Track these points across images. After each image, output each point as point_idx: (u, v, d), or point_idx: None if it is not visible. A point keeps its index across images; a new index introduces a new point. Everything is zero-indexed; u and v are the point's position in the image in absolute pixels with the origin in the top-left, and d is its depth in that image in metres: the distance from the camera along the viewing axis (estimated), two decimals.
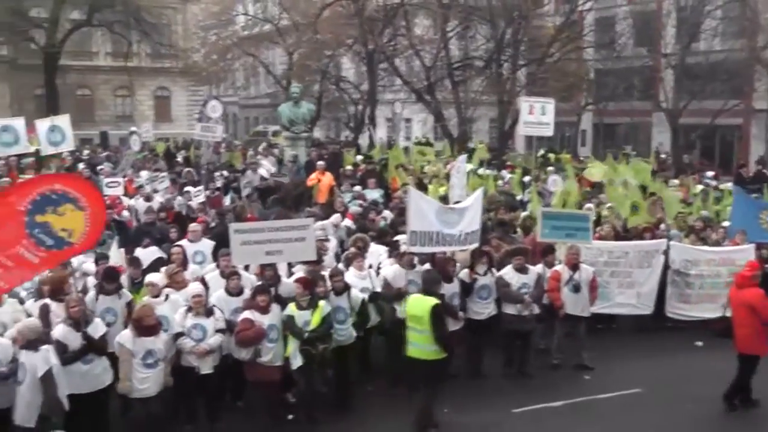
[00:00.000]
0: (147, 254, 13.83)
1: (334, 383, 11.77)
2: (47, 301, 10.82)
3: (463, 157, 21.29)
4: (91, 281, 11.43)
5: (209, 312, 10.88)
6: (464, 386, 12.76)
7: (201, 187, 20.26)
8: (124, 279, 11.46)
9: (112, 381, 10.38)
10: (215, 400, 11.33)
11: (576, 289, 13.59)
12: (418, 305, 10.87)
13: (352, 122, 51.25)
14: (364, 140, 47.24)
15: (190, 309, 10.85)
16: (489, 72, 41.67)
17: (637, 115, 47.95)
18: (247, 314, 10.94)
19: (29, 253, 8.78)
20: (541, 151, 34.28)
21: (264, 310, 10.97)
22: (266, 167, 23.02)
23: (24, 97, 57.80)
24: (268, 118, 59.40)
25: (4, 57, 56.64)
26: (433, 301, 10.77)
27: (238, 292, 11.52)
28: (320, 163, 23.30)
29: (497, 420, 11.72)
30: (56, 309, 10.56)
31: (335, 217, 16.49)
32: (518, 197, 21.85)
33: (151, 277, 11.53)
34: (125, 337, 10.24)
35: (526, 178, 24.26)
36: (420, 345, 10.77)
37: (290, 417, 11.45)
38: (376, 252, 14.13)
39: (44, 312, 10.60)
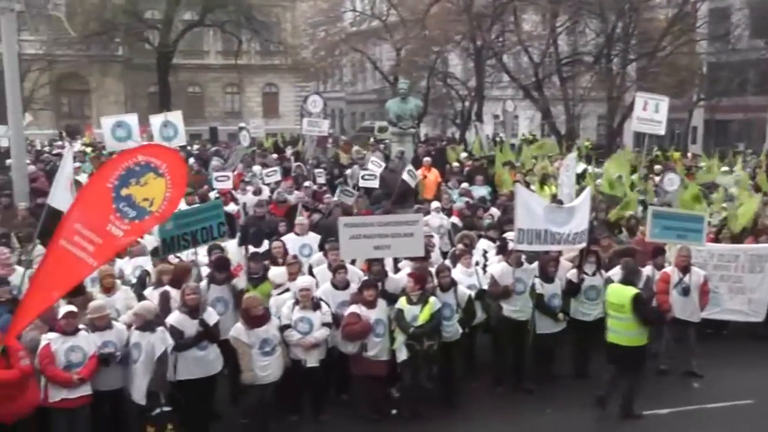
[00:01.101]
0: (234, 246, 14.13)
1: (439, 379, 11.73)
2: (167, 288, 11.19)
3: (573, 155, 20.94)
4: (204, 271, 11.72)
5: (316, 306, 11.01)
6: (569, 387, 12.60)
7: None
8: (242, 275, 11.65)
9: (222, 368, 10.69)
10: (320, 393, 11.49)
11: (685, 292, 13.10)
12: (619, 294, 11.31)
13: (459, 119, 51.14)
14: (470, 137, 47.02)
15: (297, 302, 11.01)
16: (598, 67, 41.03)
17: (752, 110, 46.34)
18: (354, 308, 11.07)
19: (116, 228, 8.93)
20: (655, 150, 33.49)
21: (371, 305, 11.07)
22: (374, 162, 23.08)
23: (137, 95, 59.72)
24: (375, 114, 59.82)
25: (120, 57, 58.59)
26: (633, 290, 11.22)
27: (345, 285, 11.63)
28: (426, 159, 23.28)
29: (601, 424, 11.51)
30: (176, 296, 10.91)
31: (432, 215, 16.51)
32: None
33: (275, 272, 11.81)
34: (239, 330, 10.49)
35: (634, 177, 23.67)
36: (621, 332, 11.23)
37: (394, 412, 11.49)
38: (481, 247, 14.13)
39: (165, 298, 10.97)
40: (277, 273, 11.99)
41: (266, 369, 10.48)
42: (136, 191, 9.02)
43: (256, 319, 10.46)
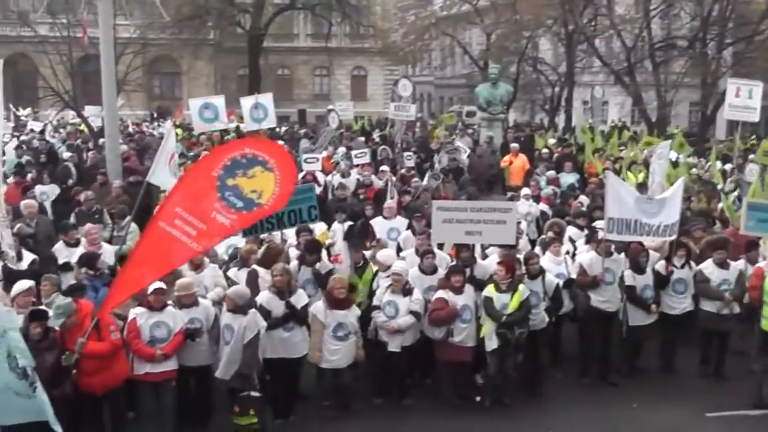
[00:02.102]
0: (342, 230, 14.20)
1: (524, 368, 11.58)
2: (256, 267, 11.32)
3: (667, 143, 20.46)
4: (293, 252, 11.82)
5: (407, 292, 11.01)
6: (655, 382, 12.30)
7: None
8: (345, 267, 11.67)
9: (306, 352, 10.75)
10: (404, 377, 11.49)
11: None
12: None
13: (548, 104, 50.51)
14: (559, 122, 46.44)
15: (390, 285, 11.04)
16: (692, 52, 39.82)
17: None
18: (441, 294, 11.01)
19: (222, 217, 9.02)
20: (752, 138, 32.43)
21: (458, 291, 11.00)
22: (461, 147, 23.01)
23: (227, 78, 60.63)
24: (463, 99, 59.43)
25: (211, 40, 59.42)
26: None
27: (432, 270, 11.60)
28: (514, 145, 23.08)
29: (688, 421, 11.14)
30: (264, 275, 11.05)
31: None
32: (719, 186, 20.66)
33: (382, 254, 11.90)
34: (318, 308, 10.58)
35: (728, 166, 23.00)
36: None
37: (477, 399, 11.41)
38: (569, 235, 13.97)
39: (253, 277, 11.11)
40: (386, 254, 12.01)
41: (335, 353, 10.56)
42: (244, 182, 9.07)
43: (337, 301, 10.53)
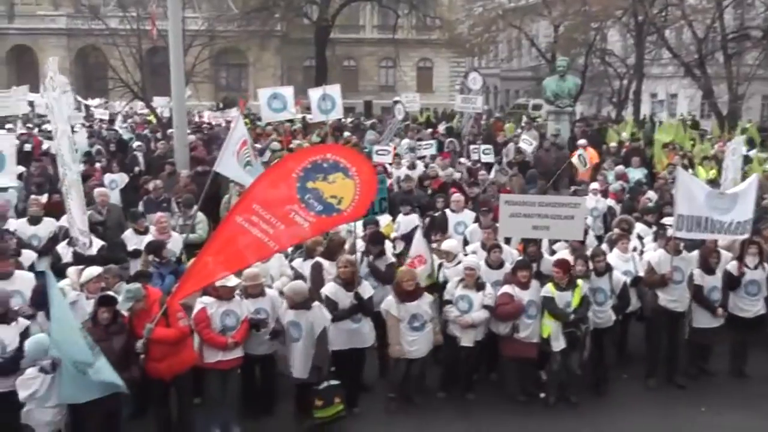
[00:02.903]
0: (406, 222, 14.20)
1: (590, 366, 11.41)
2: (319, 259, 11.37)
3: (741, 138, 19.93)
4: (360, 243, 11.84)
5: (480, 286, 10.94)
6: (725, 386, 11.98)
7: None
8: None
9: (374, 342, 10.80)
10: (470, 372, 11.43)
11: None
12: None
13: (615, 97, 49.79)
14: (626, 116, 45.71)
15: (462, 279, 10.98)
16: (767, 43, 38.84)
17: None
18: (507, 289, 10.93)
19: (300, 218, 9.09)
20: None
21: (524, 286, 10.90)
22: (528, 141, 22.78)
23: (293, 69, 61.26)
24: (529, 91, 58.96)
25: (278, 32, 59.96)
26: None
27: (499, 265, 11.52)
28: (581, 141, 22.76)
29: (758, 427, 10.84)
30: (328, 267, 11.10)
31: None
32: None
33: (448, 243, 11.85)
34: (389, 303, 10.59)
35: None
36: None
37: (542, 395, 11.28)
38: (637, 232, 13.67)
39: (317, 270, 11.17)
40: (452, 244, 11.98)
41: (414, 344, 10.56)
42: (324, 187, 9.11)
43: (407, 293, 10.51)
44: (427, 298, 10.70)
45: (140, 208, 14.99)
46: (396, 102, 31.67)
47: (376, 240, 11.74)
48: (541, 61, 54.50)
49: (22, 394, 8.50)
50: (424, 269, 11.02)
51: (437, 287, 11.25)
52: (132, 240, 13.07)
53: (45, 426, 8.58)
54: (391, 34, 59.07)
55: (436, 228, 12.93)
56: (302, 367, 10.00)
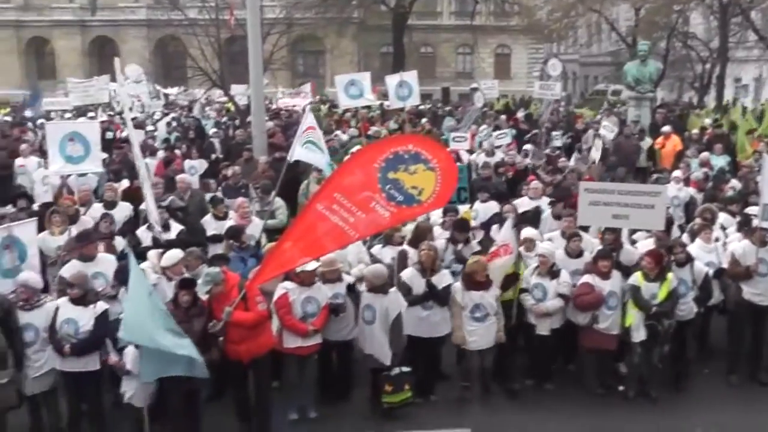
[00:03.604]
0: (484, 209, 14.09)
1: (670, 361, 11.10)
2: (406, 247, 11.38)
3: None
4: (438, 231, 11.77)
5: (554, 274, 10.82)
6: None
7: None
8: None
9: (447, 332, 10.70)
10: (547, 362, 11.32)
11: None
12: None
13: (698, 82, 48.62)
14: (709, 101, 44.63)
15: (537, 267, 10.88)
16: None
17: None
18: (587, 278, 10.74)
19: (381, 207, 9.12)
20: None
21: (605, 276, 10.68)
22: (608, 128, 22.37)
23: (370, 55, 61.41)
24: (609, 77, 57.99)
25: (355, 18, 60.12)
26: None
27: (578, 254, 11.34)
28: (666, 128, 22.26)
29: None
30: (413, 255, 11.09)
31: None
32: None
33: (527, 232, 11.71)
34: (456, 288, 10.52)
35: None
36: None
37: (621, 388, 11.06)
38: (720, 222, 13.25)
39: (403, 258, 11.16)
40: (532, 233, 11.82)
41: (473, 334, 10.47)
42: (405, 177, 9.10)
43: (477, 283, 10.43)
44: (494, 290, 10.56)
45: (219, 194, 15.20)
46: (475, 89, 31.47)
47: (462, 227, 11.70)
48: (621, 46, 53.53)
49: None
50: (508, 259, 10.80)
51: (519, 277, 11.04)
52: (211, 225, 13.28)
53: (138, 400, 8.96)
54: (469, 20, 58.66)
55: (529, 221, 12.65)
56: (375, 351, 10.01)
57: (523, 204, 13.93)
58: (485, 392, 10.92)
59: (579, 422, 10.35)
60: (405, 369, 10.05)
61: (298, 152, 13.62)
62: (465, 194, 11.94)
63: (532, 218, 13.21)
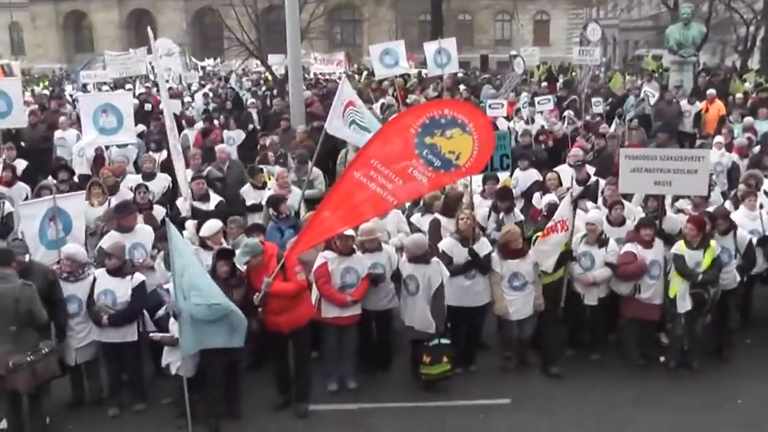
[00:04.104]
0: (525, 177, 13.95)
1: (712, 331, 10.93)
2: (438, 215, 11.26)
3: None
4: (478, 199, 11.63)
5: (603, 243, 10.63)
6: None
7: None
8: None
9: (489, 301, 10.59)
10: (596, 331, 11.16)
11: None
12: None
13: (741, 45, 47.61)
14: (752, 65, 43.69)
15: (585, 235, 10.70)
16: None
17: None
18: (629, 247, 10.55)
19: (418, 173, 9.07)
20: None
21: (648, 245, 10.48)
22: (650, 93, 22.01)
23: (408, 23, 60.93)
24: (649, 42, 57.05)
25: None
26: None
27: (620, 222, 11.15)
28: (710, 91, 21.84)
29: None
30: (446, 224, 10.99)
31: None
32: None
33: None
34: (494, 258, 10.40)
35: None
36: None
37: (662, 359, 10.88)
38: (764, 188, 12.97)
39: (435, 226, 11.08)
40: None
41: (513, 304, 10.38)
42: (442, 142, 9.04)
43: (512, 252, 10.33)
44: (531, 258, 10.41)
45: (257, 164, 15.20)
46: (515, 56, 31.11)
47: (504, 196, 11.61)
48: (662, 9, 52.57)
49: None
50: (564, 235, 10.47)
51: (572, 255, 10.76)
52: (250, 195, 13.31)
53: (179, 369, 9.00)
54: None
55: (589, 197, 12.35)
56: (417, 321, 9.94)
57: (564, 171, 13.71)
58: (523, 363, 10.84)
59: (620, 393, 10.21)
60: (444, 341, 9.96)
61: (335, 126, 13.44)
62: (507, 161, 11.66)
63: (593, 194, 12.84)
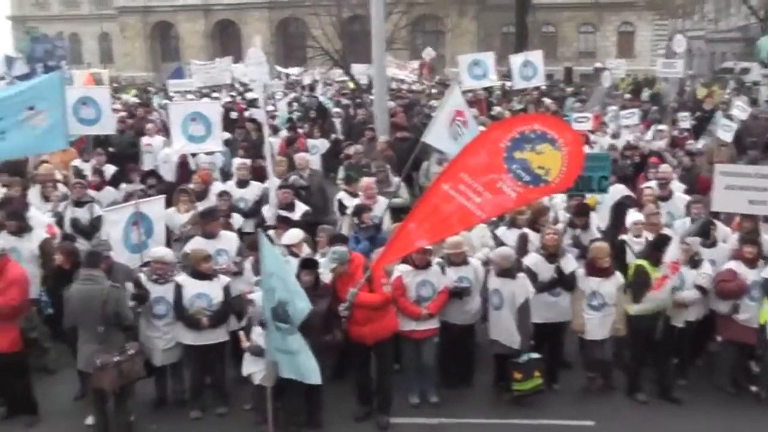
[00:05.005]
0: (612, 192, 13.61)
1: None
2: (526, 230, 11.12)
3: None
4: (562, 215, 11.44)
5: (695, 263, 10.30)
6: None
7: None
8: None
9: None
10: (683, 353, 10.79)
11: None
12: None
13: None
14: None
15: None
16: None
17: None
18: (732, 265, 10.18)
19: (507, 187, 8.96)
20: None
21: (751, 264, 10.09)
22: (741, 107, 21.42)
23: (491, 35, 60.67)
24: (737, 54, 55.75)
25: None
26: None
27: (711, 243, 10.76)
28: None
29: None
30: (533, 238, 10.85)
31: None
32: None
33: (633, 216, 11.33)
34: (578, 273, 10.21)
35: None
36: None
37: (753, 389, 10.36)
38: None
39: (522, 241, 10.94)
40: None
41: (588, 323, 10.13)
42: (532, 157, 8.91)
43: (599, 269, 10.09)
44: (616, 279, 10.12)
45: (340, 173, 15.23)
46: (602, 69, 30.70)
47: (581, 212, 11.35)
48: (751, 20, 51.30)
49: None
50: (677, 276, 10.06)
51: None
52: (348, 201, 13.36)
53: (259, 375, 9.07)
54: None
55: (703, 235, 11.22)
56: (503, 335, 9.84)
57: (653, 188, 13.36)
58: (607, 384, 10.56)
59: (707, 421, 9.86)
60: (534, 355, 9.81)
61: (436, 136, 12.95)
62: (605, 183, 11.18)
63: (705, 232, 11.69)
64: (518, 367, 9.76)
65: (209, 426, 9.85)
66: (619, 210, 12.42)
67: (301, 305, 8.25)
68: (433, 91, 32.05)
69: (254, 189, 14.07)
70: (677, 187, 13.49)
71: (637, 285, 10.02)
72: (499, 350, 9.99)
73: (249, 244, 10.56)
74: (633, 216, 11.26)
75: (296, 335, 8.34)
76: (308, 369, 8.45)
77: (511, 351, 9.80)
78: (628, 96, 29.40)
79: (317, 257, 10.14)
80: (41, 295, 10.59)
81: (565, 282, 10.17)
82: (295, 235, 10.55)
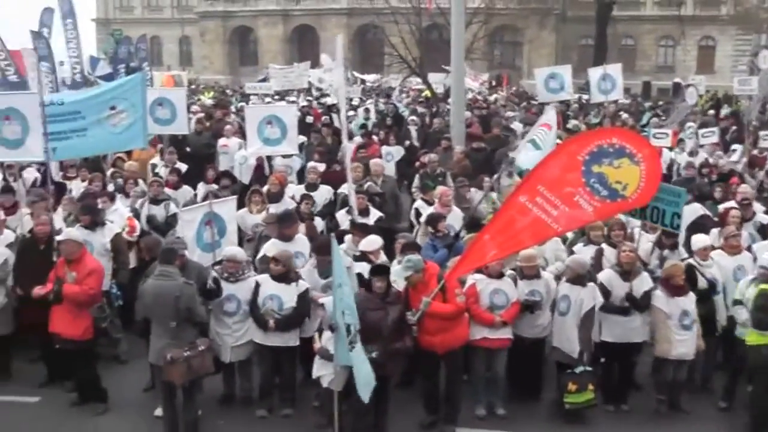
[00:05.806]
0: (688, 211, 13.34)
1: None
2: (604, 245, 11.00)
3: None
4: (638, 231, 11.27)
5: None
6: None
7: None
8: None
9: (645, 339, 10.24)
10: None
11: None
12: None
13: None
14: None
15: (754, 279, 9.95)
16: None
17: None
18: None
19: (584, 201, 8.94)
20: None
21: None
22: None
23: (568, 47, 60.22)
24: None
25: (556, 10, 59.23)
26: None
27: None
28: None
29: None
30: (609, 254, 10.72)
31: None
32: None
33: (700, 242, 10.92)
34: (658, 297, 9.98)
35: None
36: None
37: None
38: None
39: (598, 254, 10.84)
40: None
41: (682, 345, 9.87)
42: (609, 172, 8.94)
43: (676, 288, 9.90)
44: (693, 296, 9.96)
45: (416, 181, 15.28)
46: (678, 84, 30.17)
47: (670, 232, 10.99)
48: None
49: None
50: None
51: None
52: (424, 210, 13.40)
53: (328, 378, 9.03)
54: (673, 11, 56.38)
55: None
56: (563, 344, 9.80)
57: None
58: (675, 407, 10.31)
59: None
60: (588, 368, 9.73)
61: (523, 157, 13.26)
62: (678, 222, 10.73)
63: None
64: (573, 377, 9.68)
65: (275, 426, 9.94)
66: (695, 230, 12.13)
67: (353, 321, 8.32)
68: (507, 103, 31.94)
69: (324, 192, 14.21)
70: (759, 208, 13.18)
71: (765, 310, 9.42)
72: (558, 357, 9.96)
73: (318, 247, 10.59)
74: (700, 241, 10.84)
75: (358, 345, 8.36)
76: (363, 380, 8.42)
77: (569, 360, 9.75)
78: (711, 112, 28.81)
79: (393, 264, 10.13)
80: (112, 287, 11.08)
81: (636, 306, 10.01)
82: (374, 241, 10.65)
